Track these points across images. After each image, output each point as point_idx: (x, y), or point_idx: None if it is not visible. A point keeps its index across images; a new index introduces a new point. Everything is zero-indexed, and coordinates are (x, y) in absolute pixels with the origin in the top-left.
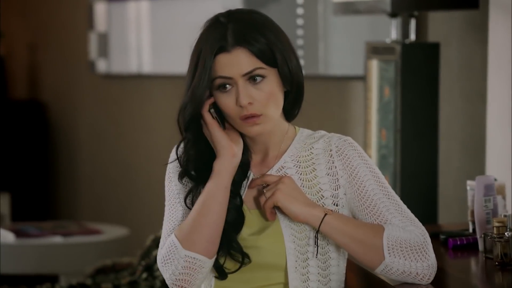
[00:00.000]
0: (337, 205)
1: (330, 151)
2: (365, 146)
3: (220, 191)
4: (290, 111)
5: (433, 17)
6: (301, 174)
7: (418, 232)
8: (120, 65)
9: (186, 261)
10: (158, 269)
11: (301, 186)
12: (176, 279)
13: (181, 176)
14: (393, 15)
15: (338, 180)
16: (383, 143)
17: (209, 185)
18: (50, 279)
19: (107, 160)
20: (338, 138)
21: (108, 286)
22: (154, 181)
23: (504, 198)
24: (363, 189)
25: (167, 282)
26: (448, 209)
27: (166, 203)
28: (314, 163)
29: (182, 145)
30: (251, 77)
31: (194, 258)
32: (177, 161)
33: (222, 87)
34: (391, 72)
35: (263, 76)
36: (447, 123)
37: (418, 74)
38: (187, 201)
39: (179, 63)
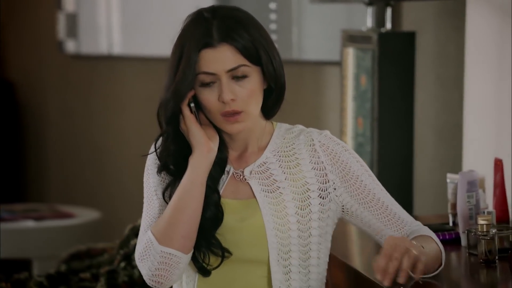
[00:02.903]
0: (323, 198)
1: (313, 145)
2: (341, 134)
3: (195, 187)
4: (271, 110)
5: (408, 4)
6: (284, 168)
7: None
8: (89, 45)
9: (162, 256)
10: None
11: (285, 179)
12: (152, 274)
13: (159, 170)
14: (369, 3)
15: (327, 175)
16: (359, 131)
17: (184, 181)
18: (23, 263)
19: (77, 141)
20: (318, 133)
21: (86, 276)
22: (125, 163)
23: (484, 191)
24: (361, 183)
25: (144, 278)
26: (423, 195)
27: (144, 198)
28: (297, 158)
29: (160, 139)
30: (235, 75)
31: (170, 254)
32: (156, 159)
33: (206, 84)
34: (367, 60)
35: (247, 75)
36: (422, 110)
37: (394, 63)
38: (166, 195)
39: (150, 44)
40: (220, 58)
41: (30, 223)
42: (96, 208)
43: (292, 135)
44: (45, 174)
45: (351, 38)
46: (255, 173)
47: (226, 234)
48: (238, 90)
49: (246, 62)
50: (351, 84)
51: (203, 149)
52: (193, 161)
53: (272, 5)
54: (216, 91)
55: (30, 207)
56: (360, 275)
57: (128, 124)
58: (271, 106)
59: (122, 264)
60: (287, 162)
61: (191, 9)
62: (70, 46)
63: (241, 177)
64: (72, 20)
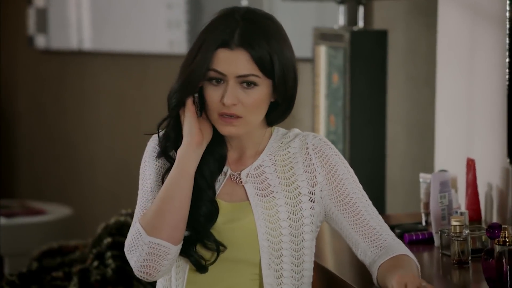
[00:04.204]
0: (313, 202)
1: (307, 149)
2: (313, 131)
3: (183, 179)
4: (274, 121)
5: (379, 3)
6: (279, 172)
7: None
8: (59, 41)
9: (150, 247)
10: (109, 258)
11: (279, 184)
12: (141, 265)
13: (158, 156)
14: (341, 1)
15: (316, 177)
16: (332, 129)
17: (173, 172)
18: None
19: (48, 136)
20: (313, 136)
21: (58, 274)
22: (95, 158)
23: (456, 191)
24: (342, 186)
25: (133, 269)
26: (394, 191)
27: (139, 189)
28: (291, 162)
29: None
30: (244, 81)
31: (158, 244)
32: (154, 148)
33: (215, 80)
34: (339, 59)
35: (255, 84)
36: (392, 107)
37: (366, 62)
38: (165, 181)
39: (120, 40)
40: (234, 62)
41: (1, 220)
42: (67, 204)
43: (288, 139)
44: (15, 170)
45: (323, 36)
46: (251, 176)
47: (218, 232)
48: (243, 96)
49: (258, 72)
50: (323, 82)
51: (192, 141)
52: (181, 153)
53: (244, 2)
54: (221, 91)
55: (1, 203)
56: (333, 276)
57: (98, 119)
58: (275, 118)
59: (95, 263)
60: (282, 166)
61: (161, 5)
62: (40, 41)
63: (238, 179)
64: (42, 15)
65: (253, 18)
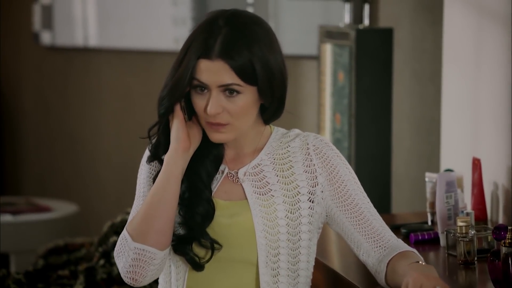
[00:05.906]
0: (312, 202)
1: (307, 149)
2: (319, 129)
3: (170, 184)
4: (270, 119)
5: (384, 0)
6: (277, 171)
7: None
8: (65, 37)
9: (136, 253)
10: None
11: (277, 182)
12: (127, 271)
13: (149, 160)
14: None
15: (316, 178)
16: (337, 127)
17: (159, 178)
18: (1, 257)
19: (53, 133)
20: (314, 137)
21: (64, 273)
22: (100, 155)
23: (462, 191)
24: (344, 188)
25: (121, 275)
26: (400, 188)
27: (136, 194)
28: (291, 161)
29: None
30: (227, 89)
31: (143, 250)
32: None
33: (199, 88)
34: (345, 57)
35: (238, 92)
36: (398, 105)
37: (372, 60)
38: None
39: (125, 37)
40: (214, 72)
41: (7, 218)
42: (72, 201)
43: (289, 138)
44: (20, 167)
45: (329, 34)
46: (249, 175)
47: (216, 230)
48: (227, 104)
49: (239, 81)
50: (329, 80)
51: (178, 147)
52: (167, 158)
53: (249, 0)
54: (206, 100)
55: (6, 200)
56: (339, 276)
57: (103, 116)
58: (268, 118)
59: (101, 262)
60: (281, 165)
61: (167, 2)
62: (46, 38)
63: (235, 178)
64: (48, 11)
65: (237, 24)
